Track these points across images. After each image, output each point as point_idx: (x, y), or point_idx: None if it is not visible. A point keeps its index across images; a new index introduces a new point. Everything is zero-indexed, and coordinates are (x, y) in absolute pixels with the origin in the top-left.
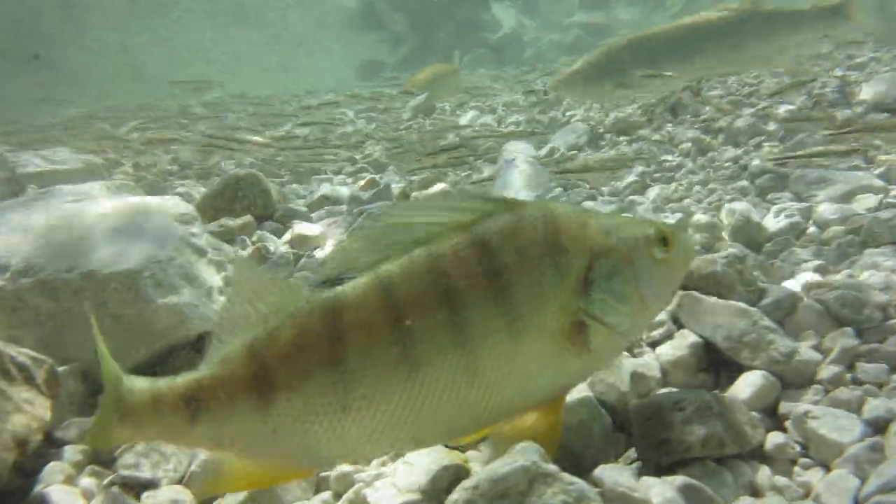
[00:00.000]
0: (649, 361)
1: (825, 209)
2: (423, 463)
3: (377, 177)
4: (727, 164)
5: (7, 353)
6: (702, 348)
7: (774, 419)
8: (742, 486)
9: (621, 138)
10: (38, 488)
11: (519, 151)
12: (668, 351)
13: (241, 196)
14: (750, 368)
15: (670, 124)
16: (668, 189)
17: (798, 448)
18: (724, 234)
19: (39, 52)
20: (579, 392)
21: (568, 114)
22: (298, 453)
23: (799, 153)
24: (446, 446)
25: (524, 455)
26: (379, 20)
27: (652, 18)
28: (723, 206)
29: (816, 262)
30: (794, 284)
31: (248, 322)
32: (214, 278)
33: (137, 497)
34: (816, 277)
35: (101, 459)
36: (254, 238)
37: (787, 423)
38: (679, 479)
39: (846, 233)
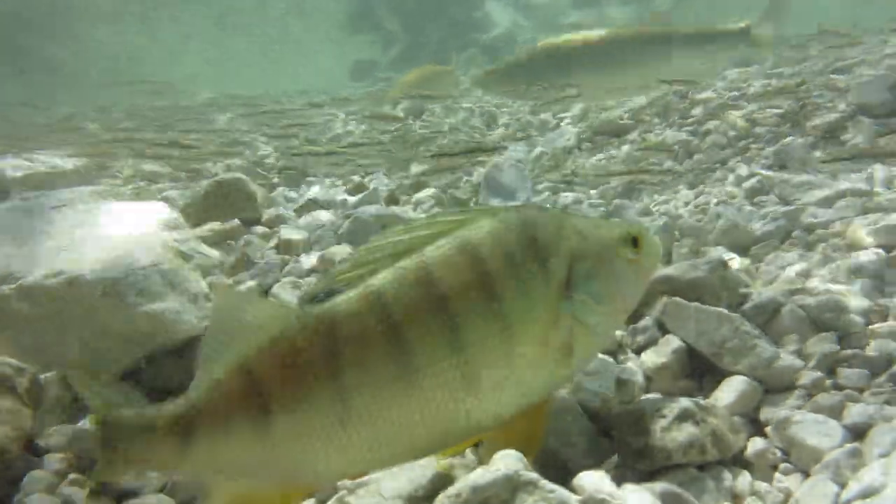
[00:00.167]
0: (633, 367)
1: (810, 212)
2: (406, 470)
3: (366, 180)
4: (715, 167)
5: None
6: (685, 354)
7: (756, 425)
8: (723, 492)
9: (611, 141)
10: (18, 497)
11: (510, 155)
12: (651, 357)
13: (227, 200)
14: (732, 374)
15: (659, 127)
16: (655, 192)
17: (779, 454)
18: (711, 238)
19: (24, 68)
20: (563, 398)
21: (558, 116)
22: (297, 472)
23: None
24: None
25: (506, 463)
26: (371, 19)
27: (643, 18)
28: (709, 209)
29: (800, 266)
30: (777, 289)
31: (236, 343)
32: (199, 284)
33: None
34: (799, 282)
35: (84, 468)
36: (241, 243)
37: (769, 429)
38: (659, 485)
39: (831, 236)
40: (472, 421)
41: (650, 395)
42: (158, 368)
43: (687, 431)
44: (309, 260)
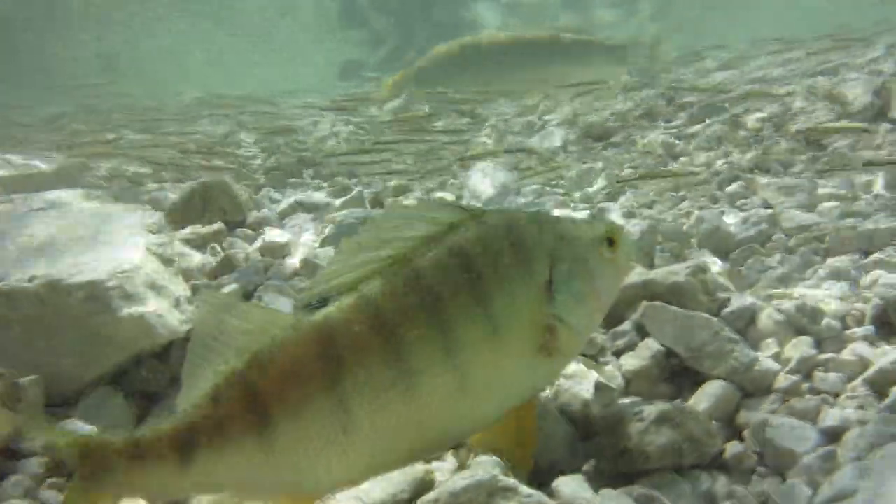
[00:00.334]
0: (612, 371)
1: (791, 216)
2: (387, 475)
3: (350, 182)
4: (698, 170)
5: None
6: (664, 358)
7: (734, 428)
8: (699, 495)
9: (597, 143)
10: None
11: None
12: (631, 360)
13: (212, 203)
14: (711, 378)
15: (645, 130)
16: (639, 195)
17: (756, 457)
18: (693, 241)
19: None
20: (543, 402)
21: (545, 118)
22: (299, 483)
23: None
24: None
25: (484, 468)
26: (360, 19)
27: (630, 21)
28: (693, 213)
29: (781, 271)
30: (756, 293)
31: (228, 353)
32: (182, 288)
33: None
34: (779, 286)
35: (63, 472)
36: (224, 245)
37: (746, 433)
38: (636, 489)
39: (811, 240)
40: (466, 422)
41: (629, 399)
42: (141, 372)
43: (665, 435)
44: (292, 263)
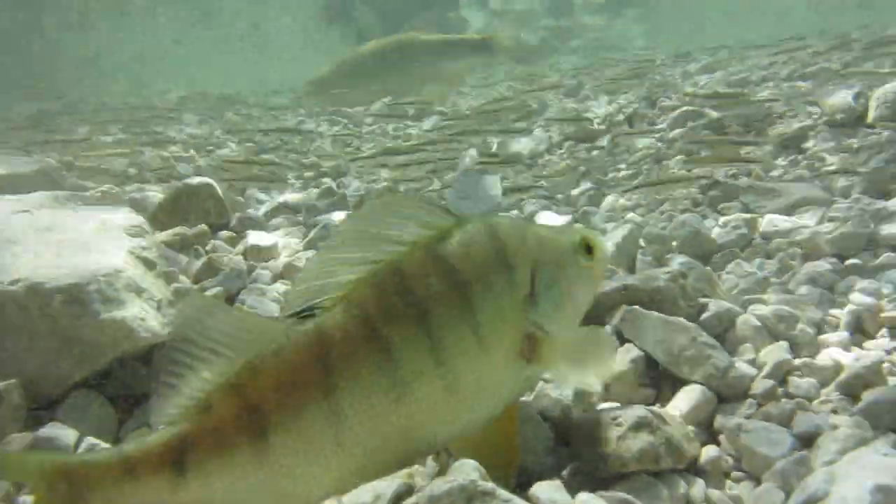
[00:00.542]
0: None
1: (770, 221)
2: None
3: (334, 184)
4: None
5: None
6: (644, 363)
7: (711, 432)
8: (676, 499)
9: (580, 146)
10: None
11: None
12: None
13: (195, 204)
14: (689, 383)
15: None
16: (622, 198)
17: (731, 461)
18: (674, 245)
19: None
20: (523, 408)
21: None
22: (294, 494)
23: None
24: None
25: (463, 472)
26: (347, 18)
27: (614, 24)
28: (674, 217)
29: (760, 275)
30: (735, 298)
31: (219, 361)
32: (164, 291)
33: None
34: (757, 291)
35: None
36: (208, 247)
37: (722, 437)
38: (612, 494)
39: (789, 245)
40: (453, 428)
41: (608, 404)
42: (122, 376)
43: (642, 440)
44: (276, 265)
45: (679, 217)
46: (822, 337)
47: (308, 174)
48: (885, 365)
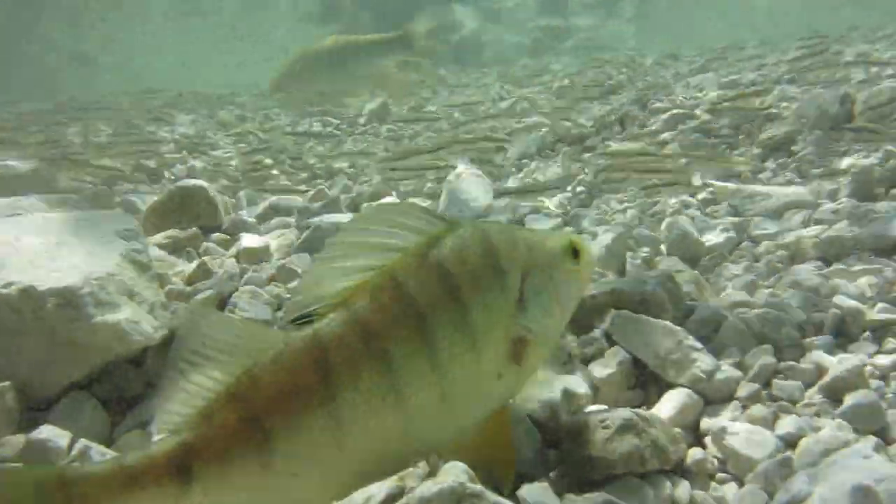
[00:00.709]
0: (580, 379)
1: (758, 224)
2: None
3: (326, 186)
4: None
5: None
6: (631, 366)
7: (696, 435)
8: (662, 500)
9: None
10: None
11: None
12: (598, 368)
13: (188, 207)
14: (675, 385)
15: (619, 135)
16: (613, 201)
17: (716, 463)
18: (663, 248)
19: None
20: (512, 410)
21: (523, 122)
22: (299, 499)
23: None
24: None
25: (453, 475)
26: (338, 16)
27: (607, 24)
28: (664, 220)
29: (747, 278)
30: (721, 302)
31: (219, 369)
32: (157, 294)
33: None
34: (743, 295)
35: None
36: (200, 250)
37: (707, 439)
38: (599, 496)
39: (776, 248)
40: (447, 431)
41: (596, 406)
42: (115, 378)
43: (628, 442)
44: (269, 268)
45: (668, 219)
46: (807, 340)
47: (302, 175)
48: (868, 368)
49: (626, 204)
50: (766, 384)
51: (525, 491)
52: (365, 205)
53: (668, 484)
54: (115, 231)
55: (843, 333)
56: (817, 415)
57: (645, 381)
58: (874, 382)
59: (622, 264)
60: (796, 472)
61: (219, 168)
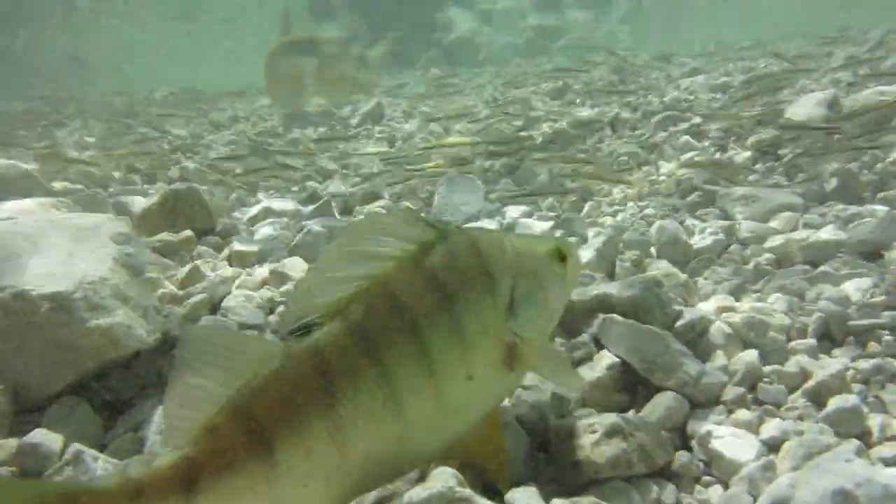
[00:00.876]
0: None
1: (746, 227)
2: None
3: (319, 188)
4: (661, 180)
5: None
6: (619, 369)
7: (683, 438)
8: (648, 503)
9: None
10: None
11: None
12: (587, 372)
13: (181, 210)
14: (663, 389)
15: (609, 139)
16: (603, 205)
17: (702, 466)
18: (653, 251)
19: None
20: (501, 414)
21: (513, 124)
22: None
23: None
24: None
25: (442, 479)
26: (332, 16)
27: (601, 22)
28: (654, 223)
29: (734, 282)
30: (708, 306)
31: (223, 382)
32: (150, 297)
33: None
34: (729, 299)
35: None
36: (193, 253)
37: (693, 443)
38: (585, 499)
39: (764, 251)
40: (443, 437)
41: (585, 410)
42: (108, 381)
43: (615, 446)
44: (261, 272)
45: (658, 223)
46: (791, 344)
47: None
48: (850, 373)
49: (615, 207)
50: (752, 388)
51: (513, 495)
52: (357, 207)
53: (655, 488)
54: (107, 234)
55: (828, 338)
56: (801, 418)
57: (633, 385)
58: (856, 387)
59: (612, 267)
60: (780, 475)
61: (212, 168)
